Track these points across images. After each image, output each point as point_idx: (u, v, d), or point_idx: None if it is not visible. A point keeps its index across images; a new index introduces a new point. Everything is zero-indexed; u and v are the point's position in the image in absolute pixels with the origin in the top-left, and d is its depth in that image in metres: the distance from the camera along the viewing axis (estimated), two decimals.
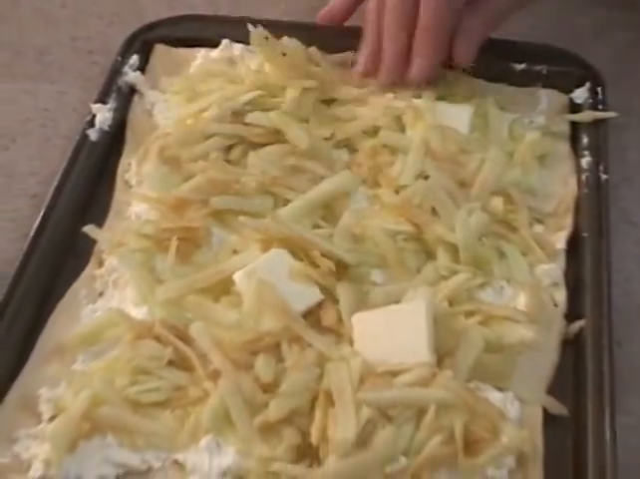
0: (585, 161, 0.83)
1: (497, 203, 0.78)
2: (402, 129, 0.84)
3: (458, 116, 0.84)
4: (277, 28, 0.90)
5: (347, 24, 0.94)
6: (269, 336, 0.68)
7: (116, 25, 0.97)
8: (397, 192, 0.78)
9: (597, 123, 0.86)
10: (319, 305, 0.71)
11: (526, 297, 0.73)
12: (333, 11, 0.93)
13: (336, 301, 0.71)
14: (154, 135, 0.84)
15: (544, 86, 0.90)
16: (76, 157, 0.83)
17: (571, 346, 0.72)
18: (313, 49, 0.90)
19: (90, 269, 0.76)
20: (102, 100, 0.87)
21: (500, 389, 0.68)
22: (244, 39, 0.89)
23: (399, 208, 0.77)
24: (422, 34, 0.83)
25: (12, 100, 0.93)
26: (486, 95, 0.87)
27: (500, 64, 0.90)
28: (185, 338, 0.69)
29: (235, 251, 0.75)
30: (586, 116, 0.87)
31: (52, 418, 0.67)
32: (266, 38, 0.88)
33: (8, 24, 1.01)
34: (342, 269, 0.73)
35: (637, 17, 1.01)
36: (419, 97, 0.86)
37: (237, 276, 0.72)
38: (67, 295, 0.75)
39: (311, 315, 0.71)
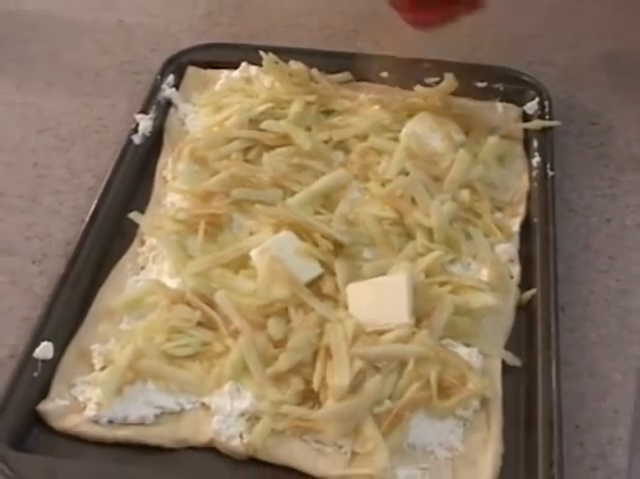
0: (535, 160, 0.83)
1: (465, 194, 0.77)
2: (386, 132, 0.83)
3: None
4: (285, 54, 0.90)
5: (342, 51, 0.94)
6: (279, 302, 0.68)
7: (156, 51, 0.96)
8: (383, 185, 0.78)
9: (545, 130, 0.85)
10: (320, 277, 0.70)
11: (488, 271, 0.72)
12: None
13: (333, 274, 0.70)
14: (186, 139, 0.83)
15: (502, 100, 0.90)
16: (123, 157, 0.82)
17: (524, 311, 0.71)
18: (314, 70, 0.89)
19: (134, 248, 0.75)
20: (144, 111, 0.86)
21: (467, 345, 0.67)
22: (259, 62, 0.89)
23: (384, 198, 0.76)
24: None
25: (74, 112, 0.92)
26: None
27: (466, 83, 0.88)
28: (211, 304, 0.68)
29: (252, 233, 0.74)
30: (536, 124, 0.86)
31: (103, 368, 0.65)
32: (276, 62, 0.88)
33: (71, 50, 1.00)
34: (338, 248, 0.72)
35: (581, 43, 1.00)
36: (401, 110, 0.85)
37: (253, 253, 0.71)
38: (115, 269, 0.73)
39: (313, 285, 0.70)
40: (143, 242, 0.75)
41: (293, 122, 0.83)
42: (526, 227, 0.77)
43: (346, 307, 0.68)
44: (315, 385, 0.63)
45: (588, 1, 1.06)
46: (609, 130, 0.90)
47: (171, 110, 0.88)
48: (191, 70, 0.92)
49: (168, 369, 0.65)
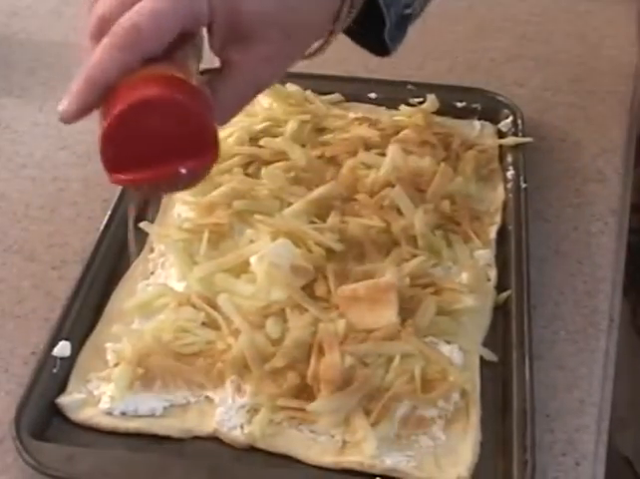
0: (510, 173, 0.82)
1: (446, 204, 0.76)
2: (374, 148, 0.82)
3: None
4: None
5: (334, 74, 0.93)
6: (277, 304, 0.67)
7: None
8: (371, 196, 0.77)
9: (518, 146, 0.85)
10: (313, 281, 0.69)
11: (468, 274, 0.72)
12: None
13: (326, 278, 0.69)
14: None
15: (479, 119, 0.89)
16: None
17: (500, 310, 0.70)
18: (308, 92, 0.89)
19: (144, 254, 0.74)
20: None
21: (448, 342, 0.67)
22: None
23: (372, 208, 0.75)
24: None
25: (90, 131, 0.87)
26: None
27: (446, 103, 0.88)
28: (214, 305, 0.67)
29: (251, 241, 0.73)
30: (510, 141, 0.85)
31: (116, 365, 0.65)
32: (274, 85, 0.85)
33: None
34: (330, 254, 0.71)
35: (550, 68, 1.00)
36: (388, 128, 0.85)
37: (253, 260, 0.70)
38: (127, 274, 0.73)
39: (307, 288, 0.69)
40: (152, 250, 0.75)
41: (289, 139, 0.82)
42: (502, 234, 0.76)
43: (337, 308, 0.67)
44: (309, 380, 0.62)
45: (556, 31, 1.06)
46: (576, 146, 0.89)
47: None
48: None
49: (175, 365, 0.64)
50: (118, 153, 0.52)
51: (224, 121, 0.57)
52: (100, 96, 0.52)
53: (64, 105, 0.53)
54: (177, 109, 0.51)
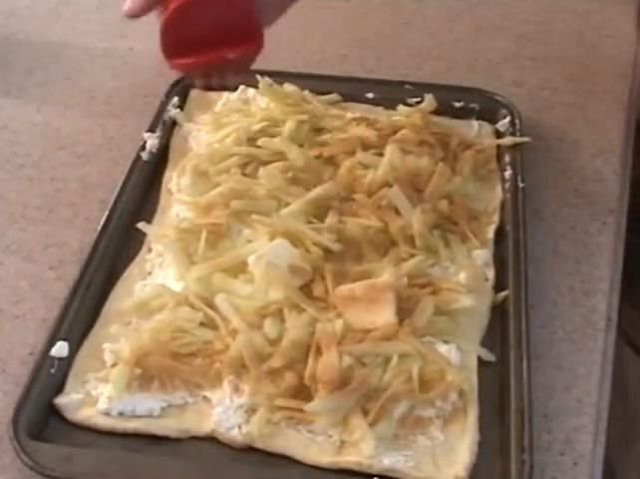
0: (507, 173, 0.82)
1: (443, 204, 0.76)
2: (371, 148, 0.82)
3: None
4: (279, 77, 0.89)
5: (331, 74, 0.94)
6: (274, 304, 0.67)
7: (163, 76, 0.94)
8: (369, 196, 0.76)
9: (515, 146, 0.85)
10: (311, 281, 0.69)
11: (465, 274, 0.71)
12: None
13: (324, 278, 0.69)
14: (189, 155, 0.83)
15: (477, 119, 0.89)
16: (132, 172, 0.81)
17: (498, 310, 0.70)
18: (306, 92, 0.88)
19: (142, 255, 0.74)
20: (151, 130, 0.85)
21: (446, 342, 0.67)
22: (256, 85, 0.88)
23: (370, 208, 0.75)
24: None
25: (88, 131, 0.91)
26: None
27: (444, 103, 0.88)
28: (212, 305, 0.67)
29: (249, 241, 0.73)
30: (508, 140, 0.85)
31: (113, 365, 0.65)
32: (271, 85, 0.88)
33: (85, 75, 0.99)
34: (328, 254, 0.71)
35: (548, 67, 1.00)
36: (386, 128, 0.84)
37: (251, 259, 0.70)
38: (125, 274, 0.73)
39: (305, 288, 0.69)
40: (150, 250, 0.74)
41: (287, 139, 0.82)
42: (500, 233, 0.76)
43: (335, 308, 0.67)
44: (307, 380, 0.62)
45: (554, 31, 1.06)
46: (574, 146, 0.89)
47: (176, 129, 0.88)
48: (194, 92, 0.91)
49: (173, 366, 0.64)
50: (175, 41, 0.64)
51: (266, 22, 0.67)
52: None
53: (129, 1, 0.62)
54: (225, 3, 0.63)
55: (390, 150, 0.80)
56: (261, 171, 0.78)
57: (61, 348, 0.65)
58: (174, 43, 0.65)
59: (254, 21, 0.64)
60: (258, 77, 0.87)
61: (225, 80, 0.72)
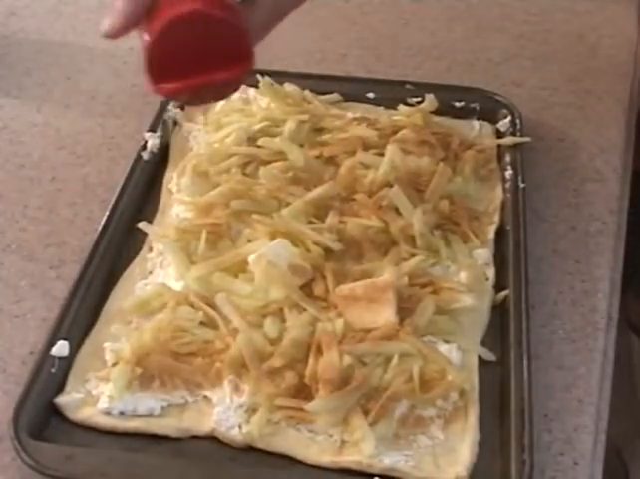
0: (508, 173, 0.82)
1: (444, 204, 0.76)
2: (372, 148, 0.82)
3: None
4: (280, 77, 0.89)
5: (332, 74, 0.94)
6: (275, 304, 0.67)
7: None
8: (369, 196, 0.76)
9: (516, 145, 0.84)
10: (312, 281, 0.69)
11: (466, 274, 0.71)
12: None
13: (324, 278, 0.69)
14: (190, 155, 0.83)
15: (478, 118, 0.89)
16: (132, 171, 0.81)
17: (499, 310, 0.70)
18: (307, 91, 0.88)
19: (142, 254, 0.74)
20: (152, 129, 0.85)
21: (447, 342, 0.67)
22: (256, 84, 0.88)
23: (371, 208, 0.75)
24: None
25: (89, 131, 0.91)
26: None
27: (445, 102, 0.88)
28: (212, 305, 0.67)
29: (249, 241, 0.73)
30: (508, 140, 0.85)
31: (114, 364, 0.65)
32: (272, 84, 0.88)
33: (86, 76, 0.99)
34: (329, 254, 0.71)
35: (548, 67, 1.00)
36: (386, 128, 0.84)
37: (251, 259, 0.70)
38: (125, 273, 0.73)
39: (306, 288, 0.69)
40: (150, 249, 0.74)
41: (288, 139, 0.82)
42: (500, 233, 0.76)
43: (336, 308, 0.67)
44: (307, 379, 0.62)
45: (554, 30, 1.06)
46: (574, 145, 0.89)
47: (177, 128, 0.87)
48: None
49: (174, 365, 0.64)
50: (160, 65, 0.57)
51: (254, 42, 0.61)
52: (142, 12, 0.56)
53: (109, 22, 0.57)
54: (215, 23, 0.56)
55: (390, 149, 0.80)
56: (262, 170, 0.78)
57: (61, 348, 0.65)
58: (160, 66, 0.58)
59: (247, 39, 0.58)
60: (259, 76, 0.87)
61: (207, 101, 0.68)
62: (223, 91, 0.63)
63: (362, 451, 0.59)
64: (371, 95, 0.91)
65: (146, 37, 0.57)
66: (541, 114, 0.92)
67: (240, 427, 0.61)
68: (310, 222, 0.74)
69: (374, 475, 0.59)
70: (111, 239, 0.74)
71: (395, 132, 0.84)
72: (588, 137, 0.90)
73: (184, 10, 0.56)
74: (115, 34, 0.58)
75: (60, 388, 0.64)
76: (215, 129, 0.85)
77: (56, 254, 0.77)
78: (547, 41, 1.04)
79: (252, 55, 0.59)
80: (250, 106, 0.88)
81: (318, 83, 0.91)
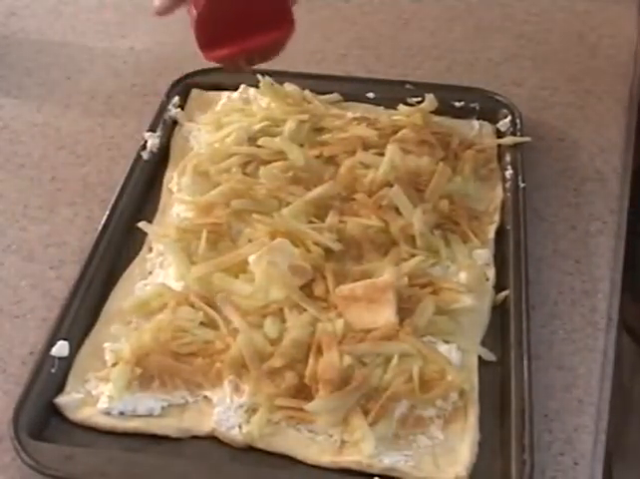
0: (508, 173, 0.82)
1: (444, 204, 0.76)
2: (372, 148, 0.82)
3: None
4: (280, 76, 0.89)
5: (332, 74, 0.94)
6: (275, 304, 0.67)
7: (163, 75, 0.96)
8: (369, 196, 0.76)
9: (516, 145, 0.85)
10: (312, 281, 0.69)
11: (466, 274, 0.71)
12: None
13: (324, 278, 0.69)
14: (190, 155, 0.83)
15: (478, 118, 0.89)
16: (133, 171, 0.81)
17: (499, 310, 0.70)
18: (307, 91, 0.88)
19: (142, 254, 0.74)
20: (152, 129, 0.85)
21: (447, 342, 0.67)
22: (256, 84, 0.88)
23: (371, 208, 0.75)
24: None
25: (89, 130, 0.91)
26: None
27: (445, 102, 0.88)
28: (213, 305, 0.67)
29: (250, 241, 0.73)
30: (508, 140, 0.85)
31: (114, 364, 0.65)
32: (272, 84, 0.88)
33: (86, 76, 0.99)
34: (329, 254, 0.71)
35: (548, 67, 1.00)
36: (386, 128, 0.84)
37: (251, 259, 0.70)
38: (125, 273, 0.73)
39: (306, 288, 0.69)
40: (150, 249, 0.74)
41: (288, 139, 0.82)
42: (500, 233, 0.76)
43: (336, 308, 0.67)
44: (307, 379, 0.62)
45: (554, 30, 1.06)
46: (574, 145, 0.89)
47: (177, 128, 0.88)
48: (195, 92, 0.92)
49: (174, 365, 0.64)
50: (210, 33, 0.65)
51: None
52: None
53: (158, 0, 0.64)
54: None
55: (390, 149, 0.80)
56: (262, 170, 0.78)
57: (61, 348, 0.65)
58: (209, 35, 0.66)
59: (286, 4, 0.66)
60: (259, 76, 0.87)
61: (255, 64, 0.74)
62: (269, 53, 0.70)
63: (362, 451, 0.59)
64: (371, 95, 0.91)
65: (193, 10, 0.64)
66: (541, 114, 0.92)
67: (240, 427, 0.61)
68: (310, 222, 0.74)
69: (374, 475, 0.59)
70: (111, 239, 0.74)
71: (395, 132, 0.84)
72: (588, 137, 0.90)
73: None
74: (164, 11, 0.65)
75: (60, 388, 0.64)
76: (215, 129, 0.85)
77: (56, 254, 0.77)
78: (547, 41, 1.04)
79: (292, 18, 0.66)
80: (250, 106, 0.88)
81: (318, 83, 0.91)
